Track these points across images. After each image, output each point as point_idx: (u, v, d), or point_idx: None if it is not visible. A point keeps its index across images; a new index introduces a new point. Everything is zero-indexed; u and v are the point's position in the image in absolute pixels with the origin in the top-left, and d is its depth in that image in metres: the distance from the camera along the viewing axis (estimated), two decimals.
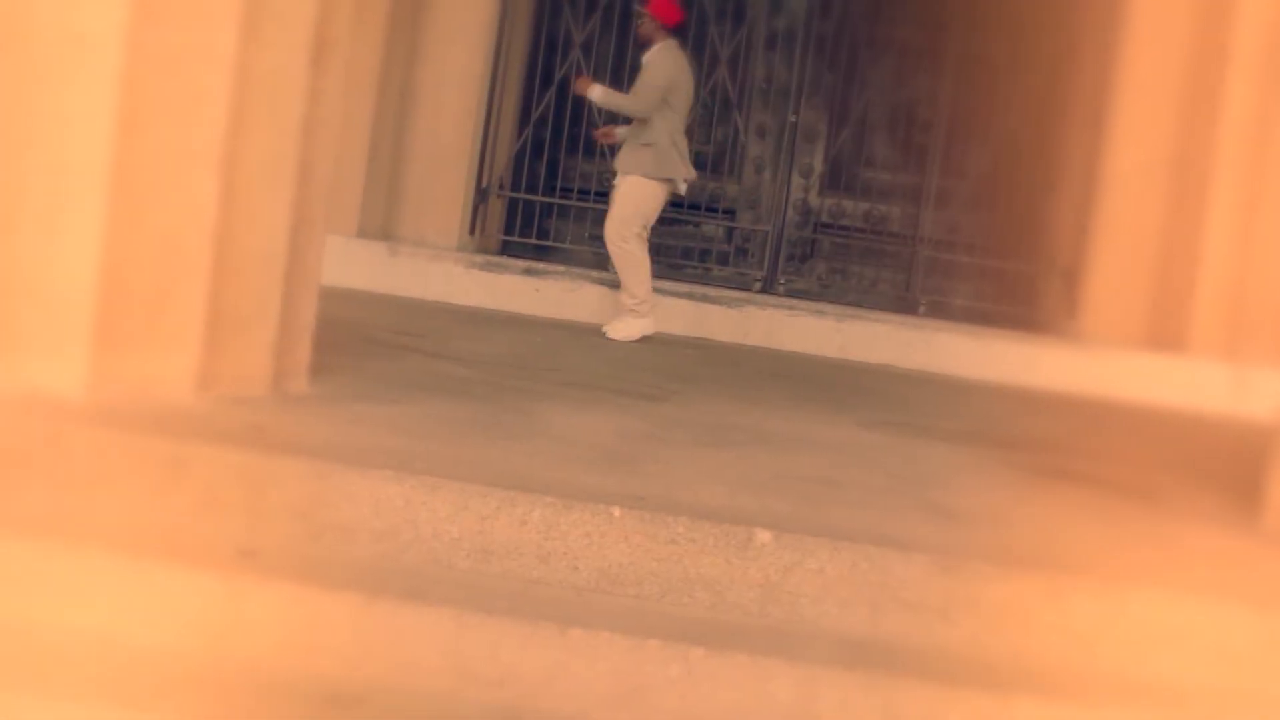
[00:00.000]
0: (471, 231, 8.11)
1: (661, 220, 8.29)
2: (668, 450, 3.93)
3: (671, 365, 6.16)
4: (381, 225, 7.90)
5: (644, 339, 6.79)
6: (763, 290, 8.16)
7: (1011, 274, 8.30)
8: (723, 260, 8.49)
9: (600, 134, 7.36)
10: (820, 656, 2.84)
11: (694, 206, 8.20)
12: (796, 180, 8.50)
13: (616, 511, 3.06)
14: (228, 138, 3.75)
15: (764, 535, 3.04)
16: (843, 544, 3.05)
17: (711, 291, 7.70)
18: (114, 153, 3.59)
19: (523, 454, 3.62)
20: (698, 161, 8.33)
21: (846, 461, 4.19)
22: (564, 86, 8.23)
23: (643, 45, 6.98)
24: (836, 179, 8.52)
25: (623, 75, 8.48)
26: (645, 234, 6.94)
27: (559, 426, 4.08)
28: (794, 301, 7.73)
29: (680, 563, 3.04)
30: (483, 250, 8.09)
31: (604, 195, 8.23)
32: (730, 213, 8.54)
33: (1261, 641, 3.09)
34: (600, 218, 8.40)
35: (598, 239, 8.42)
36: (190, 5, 3.68)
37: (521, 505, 3.09)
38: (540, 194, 8.34)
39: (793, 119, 8.36)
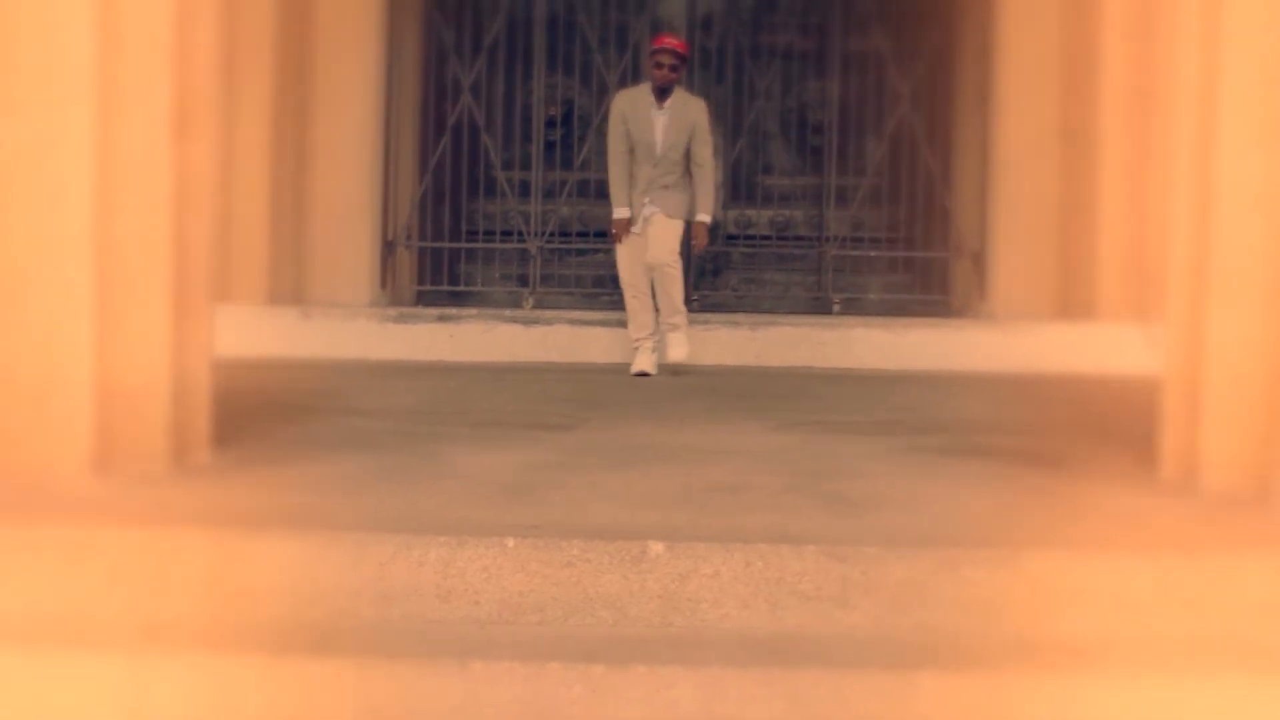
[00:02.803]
0: (383, 285, 8.13)
1: (576, 252, 8.38)
2: (571, 477, 3.97)
3: (586, 393, 6.20)
4: (292, 289, 7.90)
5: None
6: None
7: (920, 263, 8.42)
8: None
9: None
10: (722, 658, 2.88)
11: (600, 234, 8.26)
12: None
13: (510, 542, 3.10)
14: (98, 220, 3.77)
15: (657, 547, 3.08)
16: (735, 546, 3.10)
17: (625, 316, 7.75)
18: None
19: (424, 497, 3.65)
20: (599, 189, 8.42)
21: (752, 467, 4.24)
22: (458, 132, 8.28)
23: (664, 89, 6.85)
24: (738, 190, 8.62)
25: (513, 116, 8.56)
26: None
27: (463, 466, 4.11)
28: (708, 315, 7.80)
29: (579, 584, 3.08)
30: (396, 302, 8.11)
31: (510, 235, 8.31)
32: None
33: (1156, 589, 3.16)
34: (510, 257, 8.47)
35: (510, 278, 8.49)
36: (44, 97, 3.70)
37: (417, 548, 3.12)
38: (447, 240, 8.38)
39: None
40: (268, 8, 7.63)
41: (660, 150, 6.82)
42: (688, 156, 6.88)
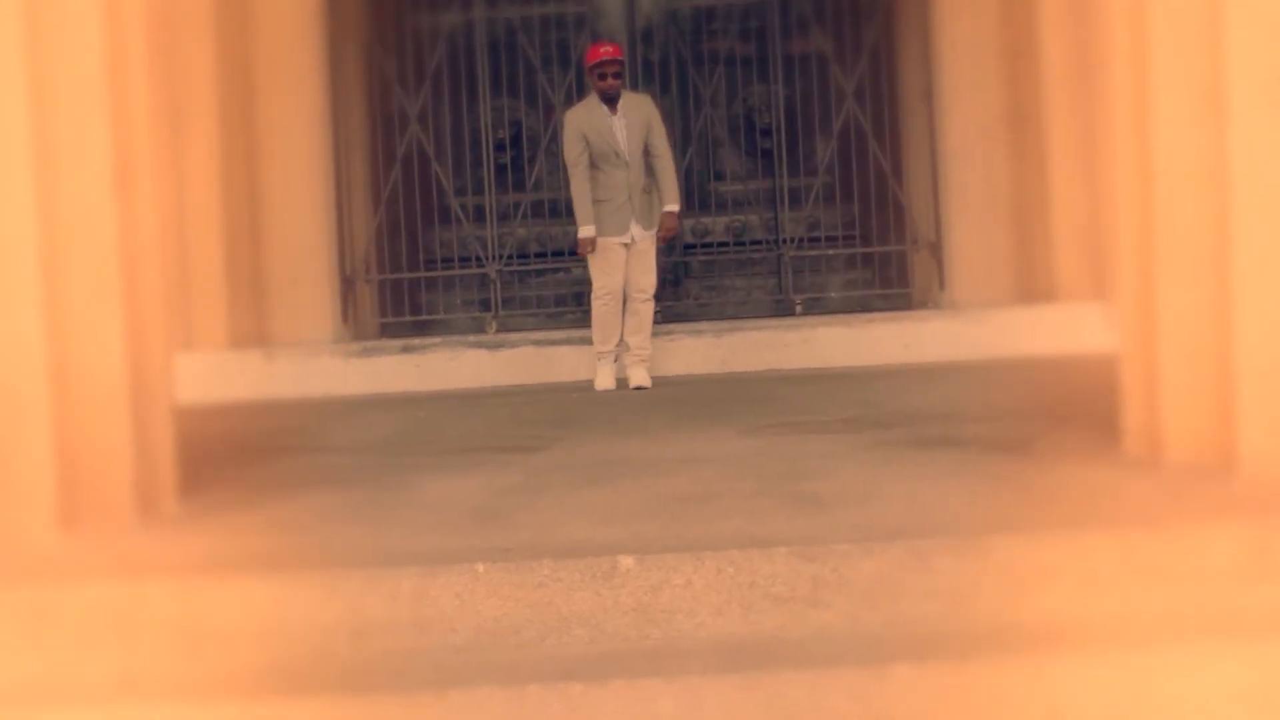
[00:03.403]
0: (344, 320, 8.11)
1: (535, 273, 8.38)
2: (539, 498, 3.97)
3: (554, 413, 6.20)
4: (253, 331, 7.88)
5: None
6: None
7: (878, 258, 8.46)
8: None
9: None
10: (699, 667, 2.89)
11: (558, 253, 8.27)
12: None
13: (481, 568, 3.10)
14: (44, 277, 3.76)
15: (628, 561, 3.09)
16: (706, 554, 3.11)
17: (590, 333, 7.76)
18: None
19: (394, 529, 3.64)
20: (554, 208, 8.43)
21: (721, 474, 4.25)
22: (408, 161, 8.28)
23: (613, 98, 6.89)
24: (691, 198, 8.64)
25: (462, 142, 8.56)
26: None
27: (432, 495, 4.10)
28: (671, 325, 7.81)
29: (552, 604, 3.08)
30: (359, 337, 8.10)
31: (468, 260, 8.30)
32: None
33: (1123, 564, 3.18)
34: (470, 283, 8.46)
35: (472, 304, 8.49)
36: None
37: (389, 580, 3.12)
38: (406, 270, 8.37)
39: None
40: (207, 50, 7.62)
41: (628, 155, 6.85)
42: (647, 153, 6.92)
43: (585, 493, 4.04)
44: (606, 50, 6.95)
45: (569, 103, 8.00)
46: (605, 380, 6.95)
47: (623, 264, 6.90)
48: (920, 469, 4.17)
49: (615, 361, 7.00)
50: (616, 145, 6.84)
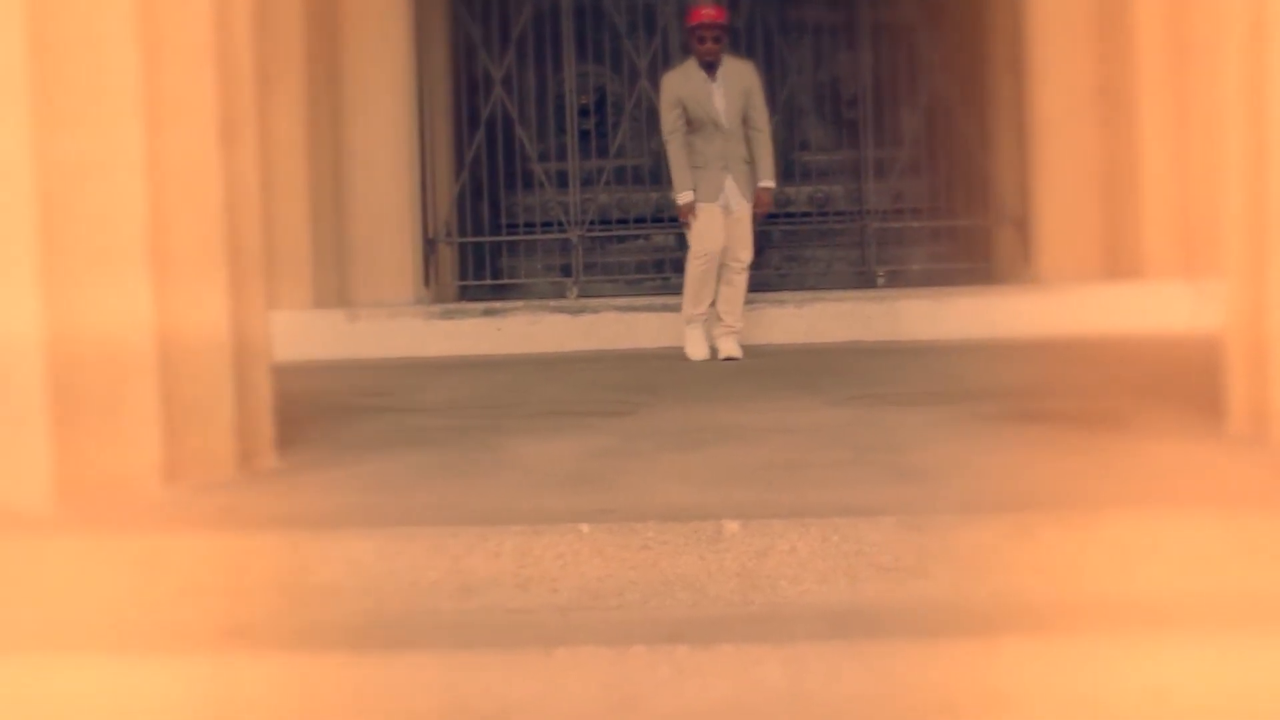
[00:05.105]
0: (426, 283, 8.17)
1: (617, 239, 8.38)
2: (634, 461, 3.97)
3: (638, 379, 6.20)
4: (336, 292, 7.95)
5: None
6: None
7: (962, 231, 8.38)
8: (677, 268, 8.53)
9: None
10: (805, 633, 2.88)
11: (640, 220, 8.26)
12: None
13: (585, 528, 3.10)
14: (152, 232, 3.80)
15: (732, 525, 3.08)
16: (810, 521, 3.09)
17: (671, 300, 7.76)
18: (41, 265, 3.63)
19: (492, 489, 3.66)
20: (636, 175, 8.42)
21: (813, 442, 4.23)
22: (492, 126, 8.29)
23: (711, 64, 6.79)
24: (776, 167, 8.58)
25: (546, 106, 8.56)
26: None
27: (527, 457, 4.12)
28: (754, 295, 7.78)
29: (656, 566, 3.08)
30: (439, 299, 8.15)
31: (550, 225, 8.31)
32: (675, 220, 8.59)
33: (1233, 542, 3.13)
34: (551, 248, 8.48)
35: (553, 269, 8.50)
36: (93, 110, 3.72)
37: (493, 539, 3.13)
38: (487, 234, 8.39)
39: None
40: (296, 11, 7.66)
41: (726, 122, 6.78)
42: (744, 124, 6.85)
43: (679, 458, 4.04)
44: (707, 12, 6.80)
45: (653, 70, 7.98)
46: (698, 349, 6.89)
47: (721, 228, 6.85)
48: (1016, 443, 4.13)
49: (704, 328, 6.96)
50: (713, 112, 6.77)
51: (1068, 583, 3.10)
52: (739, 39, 8.47)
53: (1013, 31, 8.07)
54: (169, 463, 3.79)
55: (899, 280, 8.12)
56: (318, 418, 4.99)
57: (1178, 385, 4.97)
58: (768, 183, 6.89)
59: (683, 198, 6.81)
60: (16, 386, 3.61)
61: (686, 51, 7.00)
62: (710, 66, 6.78)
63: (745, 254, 6.88)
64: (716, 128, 6.76)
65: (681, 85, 6.82)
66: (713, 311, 6.93)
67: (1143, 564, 3.12)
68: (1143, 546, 3.14)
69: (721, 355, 6.85)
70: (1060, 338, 7.04)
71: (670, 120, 6.80)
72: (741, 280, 6.92)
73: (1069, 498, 3.37)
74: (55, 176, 3.67)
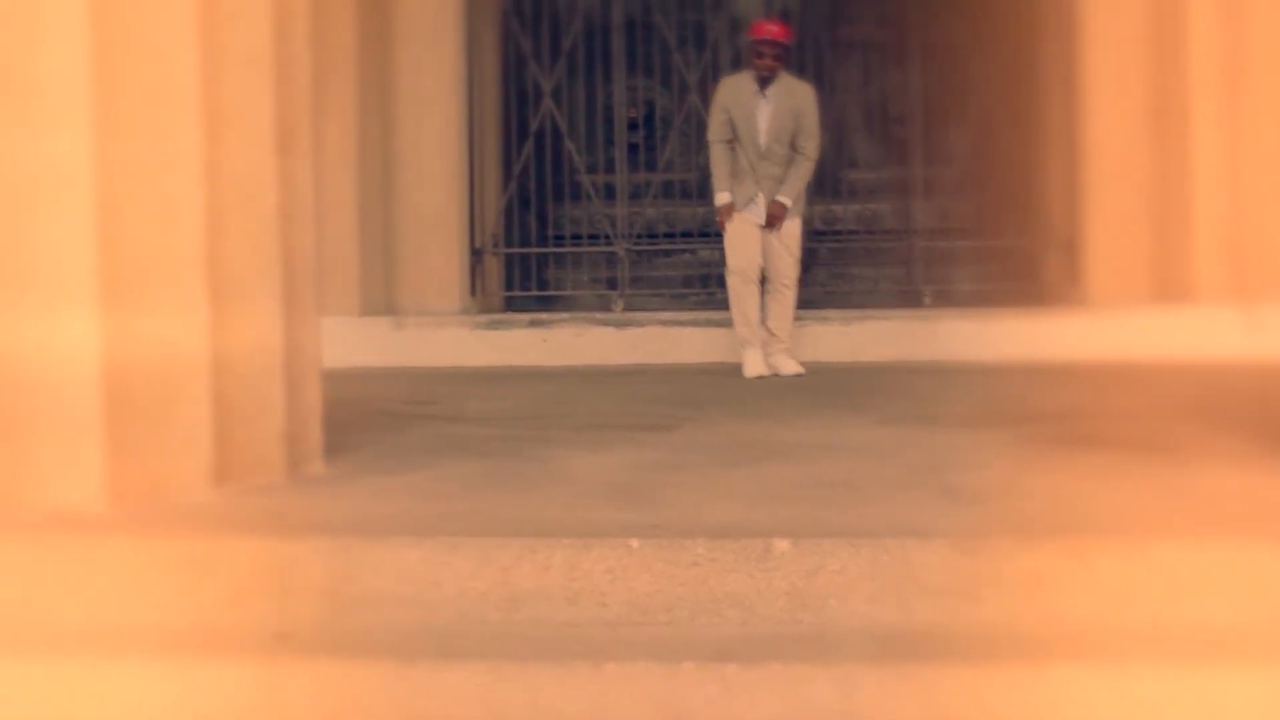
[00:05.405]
0: (472, 293, 8.19)
1: (664, 253, 8.39)
2: (681, 476, 3.96)
3: (683, 394, 6.20)
4: (383, 300, 7.99)
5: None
6: None
7: (1010, 252, 8.33)
8: (722, 283, 8.51)
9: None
10: (854, 654, 2.86)
11: (686, 234, 8.26)
12: None
13: (635, 543, 3.10)
14: (208, 237, 3.82)
15: (782, 544, 3.07)
16: (861, 541, 3.07)
17: (716, 315, 7.75)
18: (99, 267, 3.66)
19: (540, 501, 3.66)
20: (684, 189, 8.41)
21: (861, 461, 4.21)
22: (540, 137, 8.31)
23: (765, 79, 6.77)
24: (823, 184, 8.58)
25: (595, 119, 8.57)
26: None
27: (574, 469, 4.12)
28: (799, 312, 7.74)
29: (705, 583, 3.07)
30: (486, 310, 8.17)
31: (596, 238, 8.32)
32: (720, 235, 8.58)
33: None
34: (597, 260, 8.48)
35: (598, 281, 8.51)
36: (152, 117, 3.75)
37: (542, 551, 3.13)
38: (534, 246, 8.41)
39: None
40: (349, 21, 7.71)
41: (764, 141, 6.76)
42: (793, 147, 6.81)
43: (727, 473, 4.03)
44: (768, 29, 6.79)
45: (703, 85, 7.98)
46: (754, 366, 6.83)
47: (754, 242, 6.82)
48: (1066, 467, 4.09)
49: (761, 349, 6.90)
50: (754, 127, 6.76)
51: (1121, 609, 3.07)
52: (788, 55, 8.45)
53: (1064, 52, 8.02)
54: (219, 466, 3.81)
55: (945, 300, 8.08)
56: (365, 425, 5.00)
57: (1231, 411, 4.92)
58: (783, 198, 6.81)
59: (720, 198, 6.82)
60: (72, 388, 3.63)
61: (747, 64, 7.01)
62: (764, 81, 6.78)
63: (785, 269, 6.84)
64: (753, 145, 6.76)
65: (731, 94, 6.83)
66: (765, 329, 6.91)
67: (1196, 592, 3.08)
68: (1197, 574, 3.10)
69: (782, 373, 6.82)
70: (1108, 361, 6.97)
71: (715, 125, 6.82)
72: (787, 297, 6.90)
73: (1122, 523, 3.33)
74: (114, 181, 3.70)
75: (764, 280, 6.90)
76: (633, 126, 8.56)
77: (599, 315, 7.78)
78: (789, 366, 6.85)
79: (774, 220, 6.85)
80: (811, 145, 6.82)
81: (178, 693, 3.03)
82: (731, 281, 6.87)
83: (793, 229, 6.88)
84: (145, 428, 3.74)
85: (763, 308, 6.89)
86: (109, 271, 3.68)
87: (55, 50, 3.63)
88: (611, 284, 8.31)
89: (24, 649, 3.10)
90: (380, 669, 2.97)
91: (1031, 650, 2.92)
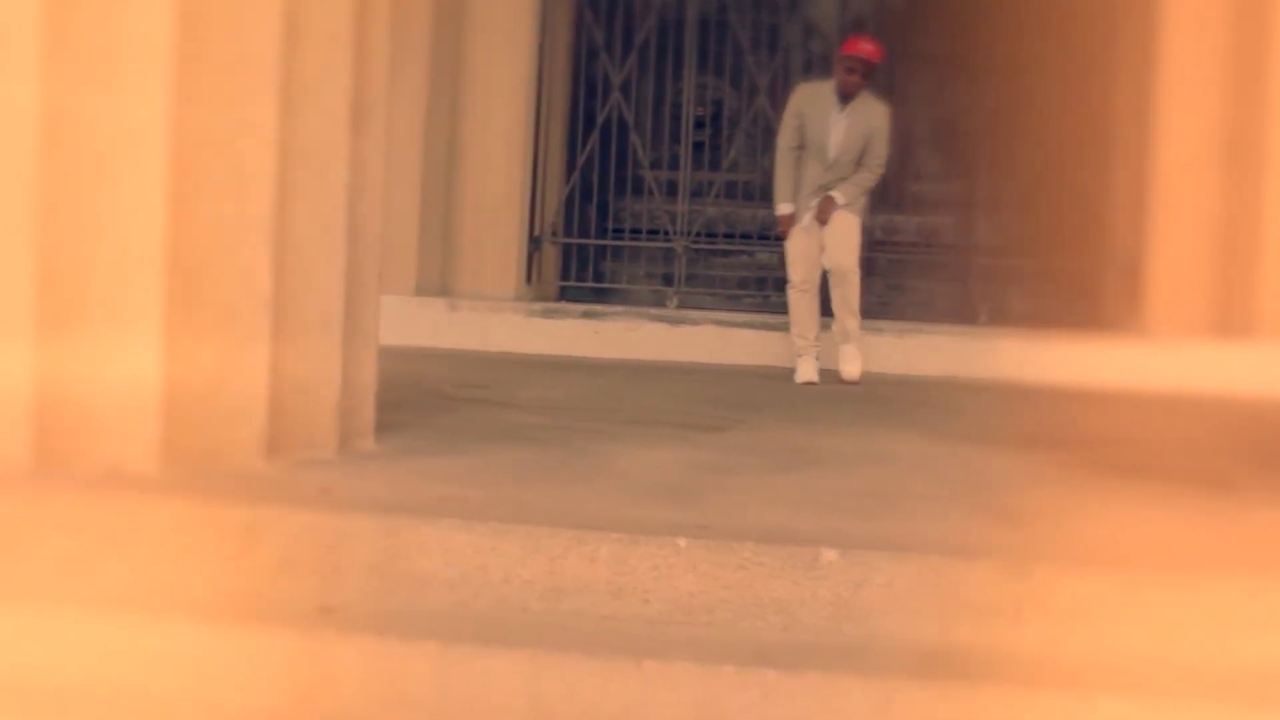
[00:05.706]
0: (528, 280, 8.21)
1: (722, 253, 8.37)
2: (731, 478, 3.96)
3: (734, 395, 6.19)
4: (439, 281, 8.02)
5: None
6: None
7: (1070, 274, 8.26)
8: (779, 287, 8.50)
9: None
10: (894, 668, 2.85)
11: (746, 236, 8.24)
12: None
13: (682, 542, 3.09)
14: (277, 209, 3.85)
15: (830, 554, 3.05)
16: (909, 556, 3.06)
17: (771, 319, 7.73)
18: (167, 234, 3.70)
19: (589, 493, 3.66)
20: (747, 191, 8.39)
21: (912, 475, 4.19)
22: (606, 130, 8.32)
23: (846, 94, 6.74)
24: (886, 195, 8.52)
25: (662, 115, 8.56)
26: None
27: (624, 464, 4.12)
28: None
29: (750, 587, 3.06)
30: (540, 298, 8.18)
31: (655, 233, 8.31)
32: (780, 240, 8.56)
33: None
34: (654, 255, 8.47)
35: (654, 276, 8.50)
36: (230, 88, 3.78)
37: (590, 543, 3.13)
38: (593, 237, 8.42)
39: None
40: (426, 3, 7.75)
41: (833, 155, 6.73)
42: (858, 161, 6.77)
43: (776, 478, 4.02)
44: (863, 47, 6.76)
45: (772, 88, 7.97)
46: (806, 373, 6.80)
47: (813, 256, 6.80)
48: (1119, 495, 4.05)
49: (817, 359, 6.86)
50: (825, 139, 6.73)
51: (1168, 645, 3.03)
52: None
53: (1140, 76, 7.94)
54: (272, 436, 3.84)
55: (1001, 318, 8.03)
56: (416, 405, 5.03)
57: None
58: (838, 196, 6.75)
59: (781, 208, 6.80)
60: (135, 353, 3.67)
61: (824, 72, 6.99)
62: (845, 97, 6.74)
63: (849, 260, 6.77)
64: (821, 156, 6.72)
65: (807, 101, 6.79)
66: (828, 336, 6.85)
67: (1249, 633, 3.04)
68: (1249, 615, 3.06)
69: (843, 375, 6.77)
70: (1166, 392, 6.90)
71: (787, 130, 6.79)
72: (850, 286, 6.81)
73: (1174, 556, 3.30)
74: (188, 147, 3.73)
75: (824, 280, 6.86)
76: (699, 125, 8.55)
77: (652, 311, 7.78)
78: (850, 368, 6.78)
79: (824, 213, 6.80)
80: (878, 160, 6.81)
81: (218, 658, 3.05)
82: (790, 293, 6.87)
83: (852, 224, 6.81)
84: (203, 395, 3.77)
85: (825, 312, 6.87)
86: (177, 236, 3.71)
87: (139, 14, 3.66)
88: (667, 280, 8.31)
89: (70, 604, 3.13)
90: (423, 650, 2.98)
91: (1075, 679, 2.89)
